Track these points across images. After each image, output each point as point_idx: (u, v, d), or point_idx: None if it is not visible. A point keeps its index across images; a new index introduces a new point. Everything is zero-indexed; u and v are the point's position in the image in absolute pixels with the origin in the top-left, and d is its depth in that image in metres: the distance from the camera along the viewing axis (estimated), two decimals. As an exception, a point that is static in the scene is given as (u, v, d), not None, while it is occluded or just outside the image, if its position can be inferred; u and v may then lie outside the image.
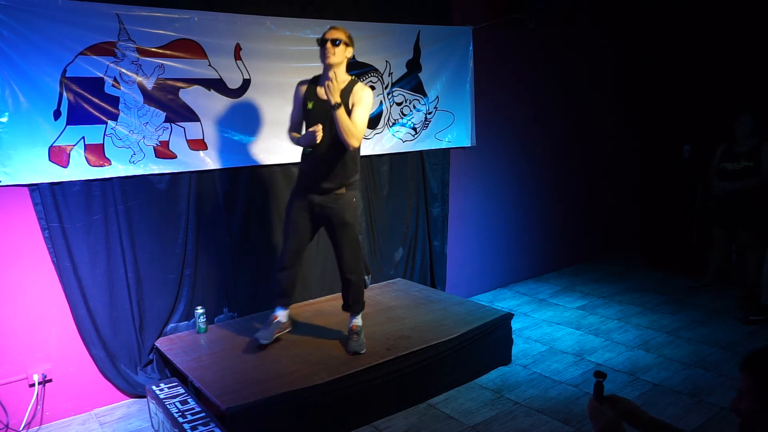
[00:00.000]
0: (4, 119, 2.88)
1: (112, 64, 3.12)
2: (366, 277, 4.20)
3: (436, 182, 4.65)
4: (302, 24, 3.75)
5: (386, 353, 3.14)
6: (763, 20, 5.28)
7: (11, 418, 3.08)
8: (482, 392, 3.35)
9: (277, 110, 3.71)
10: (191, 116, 3.42)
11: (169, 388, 3.05)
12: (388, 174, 4.40)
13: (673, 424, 1.60)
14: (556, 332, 4.19)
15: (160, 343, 3.41)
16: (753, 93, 5.23)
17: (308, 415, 2.84)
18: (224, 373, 2.97)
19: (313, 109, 3.08)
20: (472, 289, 5.04)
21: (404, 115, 4.36)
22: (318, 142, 2.98)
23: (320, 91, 3.04)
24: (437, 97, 4.52)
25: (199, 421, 2.68)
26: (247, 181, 3.71)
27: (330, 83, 2.85)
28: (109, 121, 3.15)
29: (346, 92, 3.01)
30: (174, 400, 2.90)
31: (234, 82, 3.55)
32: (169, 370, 3.40)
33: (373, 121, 4.15)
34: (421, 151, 4.53)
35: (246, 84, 3.60)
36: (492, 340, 3.59)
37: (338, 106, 2.86)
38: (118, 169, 3.20)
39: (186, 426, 2.64)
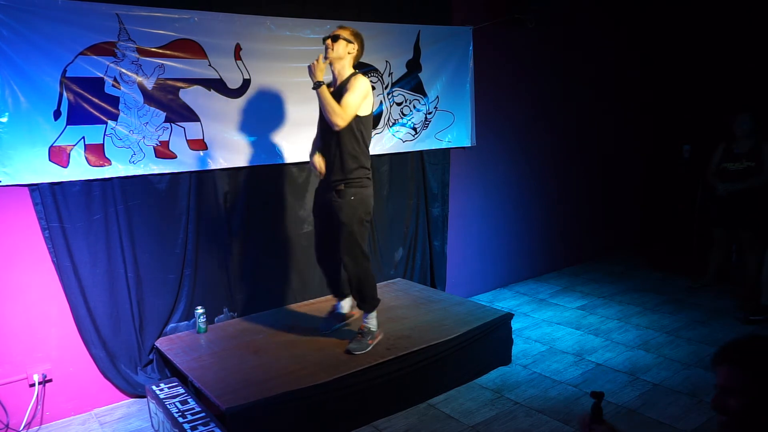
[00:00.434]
0: (4, 119, 2.88)
1: (112, 64, 3.12)
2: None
3: (436, 182, 4.65)
4: (302, 24, 3.75)
5: (386, 353, 3.14)
6: (762, 20, 5.28)
7: (11, 418, 3.08)
8: (482, 392, 3.35)
9: (277, 110, 3.71)
10: (191, 116, 3.42)
11: (169, 388, 3.05)
12: (388, 174, 4.40)
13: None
14: (556, 332, 4.19)
15: (160, 343, 3.41)
16: (752, 93, 5.23)
17: (308, 415, 2.85)
18: (224, 373, 2.97)
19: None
20: (472, 289, 5.04)
21: (404, 115, 4.36)
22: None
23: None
24: (437, 97, 4.52)
25: (199, 421, 2.68)
26: (247, 181, 3.71)
27: (314, 63, 2.91)
28: (109, 121, 3.15)
29: (344, 84, 3.03)
30: (174, 400, 2.90)
31: (234, 82, 3.55)
32: (169, 370, 3.40)
33: (374, 121, 4.14)
34: (421, 151, 4.53)
35: (246, 84, 3.60)
36: (492, 340, 3.59)
37: (319, 84, 2.90)
38: (118, 169, 3.20)
39: (186, 426, 2.64)
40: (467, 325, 3.48)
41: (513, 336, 3.74)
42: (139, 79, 3.22)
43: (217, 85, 3.49)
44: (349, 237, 3.10)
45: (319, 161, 3.15)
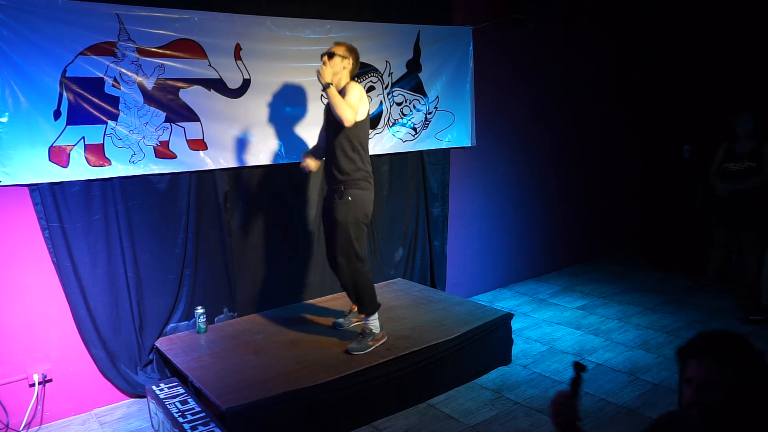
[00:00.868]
0: (4, 119, 2.88)
1: (112, 64, 3.12)
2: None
3: (436, 182, 4.65)
4: (302, 24, 3.75)
5: (386, 353, 3.14)
6: (763, 20, 5.27)
7: (11, 418, 3.08)
8: (482, 392, 3.35)
9: (277, 110, 3.71)
10: (191, 116, 3.42)
11: (169, 388, 3.05)
12: (388, 174, 4.40)
13: None
14: (556, 332, 4.19)
15: (160, 343, 3.41)
16: (753, 93, 5.23)
17: (308, 415, 2.85)
18: (224, 373, 2.97)
19: (325, 116, 3.33)
20: (472, 289, 5.03)
21: (404, 115, 4.36)
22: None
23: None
24: (437, 97, 4.52)
25: (199, 421, 2.68)
26: (247, 181, 3.71)
27: (321, 67, 3.03)
28: (109, 121, 3.15)
29: (341, 92, 3.09)
30: (174, 400, 2.90)
31: (234, 82, 3.55)
32: (169, 370, 3.40)
33: (373, 121, 4.15)
34: (421, 151, 4.53)
35: (246, 84, 3.60)
36: (492, 340, 3.59)
37: (328, 85, 3.00)
38: (118, 169, 3.20)
39: (186, 426, 2.64)
40: (467, 325, 3.48)
41: (513, 336, 3.74)
42: (139, 79, 3.22)
43: (217, 85, 3.49)
44: (343, 236, 3.13)
45: (309, 160, 3.37)
